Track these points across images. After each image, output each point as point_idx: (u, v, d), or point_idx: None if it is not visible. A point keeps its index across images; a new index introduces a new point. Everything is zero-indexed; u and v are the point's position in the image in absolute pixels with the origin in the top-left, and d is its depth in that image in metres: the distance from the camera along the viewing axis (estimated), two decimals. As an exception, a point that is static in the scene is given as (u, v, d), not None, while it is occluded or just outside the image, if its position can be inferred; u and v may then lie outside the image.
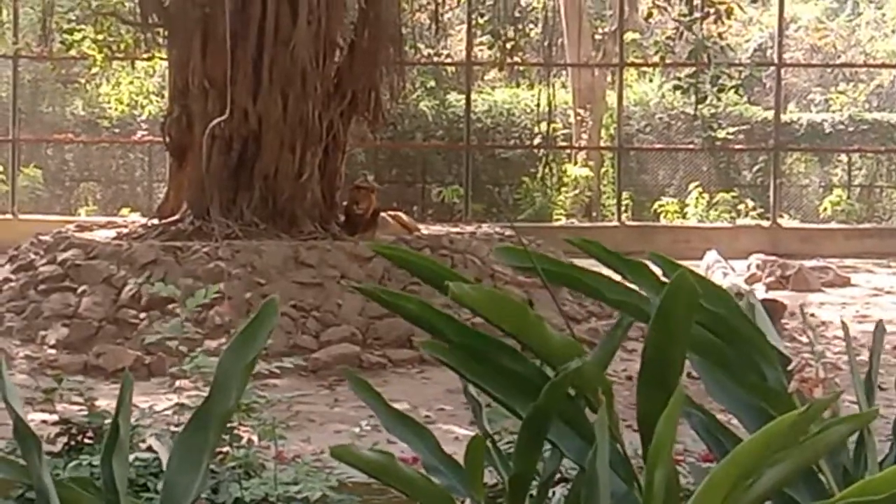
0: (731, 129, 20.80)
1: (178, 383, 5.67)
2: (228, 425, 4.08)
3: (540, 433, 2.65)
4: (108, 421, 4.68)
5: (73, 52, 16.35)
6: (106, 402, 5.28)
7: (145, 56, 16.93)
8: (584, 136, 21.09)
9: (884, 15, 26.15)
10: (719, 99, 18.42)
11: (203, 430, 2.60)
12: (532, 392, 2.64)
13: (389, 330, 9.71)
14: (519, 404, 2.72)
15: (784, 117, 20.55)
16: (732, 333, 2.84)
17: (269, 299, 2.76)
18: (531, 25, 22.03)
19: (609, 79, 21.76)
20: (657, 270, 2.90)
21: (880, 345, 3.11)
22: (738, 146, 20.99)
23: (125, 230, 12.20)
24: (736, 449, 2.41)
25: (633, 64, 20.25)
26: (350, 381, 3.03)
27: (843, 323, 3.58)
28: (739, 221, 19.03)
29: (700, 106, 18.34)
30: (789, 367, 2.84)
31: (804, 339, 9.91)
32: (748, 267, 14.46)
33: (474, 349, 2.74)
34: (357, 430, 4.78)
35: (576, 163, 20.79)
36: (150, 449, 4.44)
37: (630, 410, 2.71)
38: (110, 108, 21.30)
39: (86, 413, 4.82)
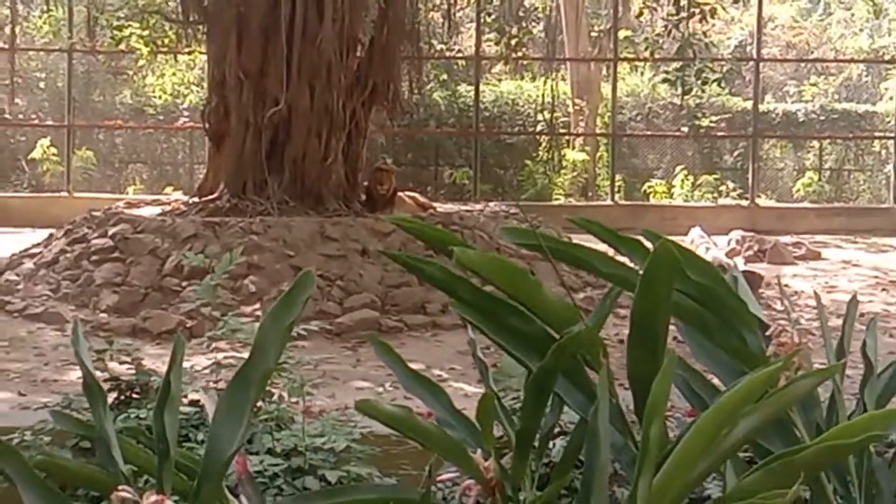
0: (714, 118, 20.72)
1: (214, 345, 5.68)
2: (261, 383, 4.07)
3: (545, 390, 2.65)
4: (153, 378, 4.69)
5: (121, 47, 16.32)
6: (151, 362, 5.30)
7: (187, 50, 16.89)
8: (582, 123, 21.04)
9: (853, 15, 26.02)
10: (703, 90, 18.35)
11: (245, 388, 2.60)
12: (538, 349, 2.64)
13: (406, 298, 9.72)
14: (528, 360, 2.72)
15: (762, 107, 20.48)
16: (716, 302, 2.83)
17: (305, 271, 2.75)
18: (534, 23, 21.97)
19: (604, 72, 21.68)
20: (650, 246, 2.90)
21: (853, 316, 3.10)
22: (720, 133, 20.93)
23: (169, 207, 12.21)
24: (721, 399, 2.42)
25: (625, 59, 20.18)
26: (374, 345, 3.03)
27: (815, 293, 3.58)
28: (721, 201, 18.97)
29: (686, 97, 18.27)
30: (767, 333, 2.84)
31: (779, 307, 9.90)
32: (728, 242, 14.43)
33: (485, 309, 2.74)
34: (380, 390, 4.78)
35: (574, 148, 20.74)
36: (191, 403, 4.45)
37: (622, 371, 2.70)
38: (155, 97, 21.31)
39: (133, 371, 4.84)
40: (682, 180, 19.53)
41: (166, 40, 15.96)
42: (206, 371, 5.07)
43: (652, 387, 2.39)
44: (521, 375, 2.84)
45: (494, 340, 2.77)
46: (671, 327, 2.71)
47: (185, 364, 5.39)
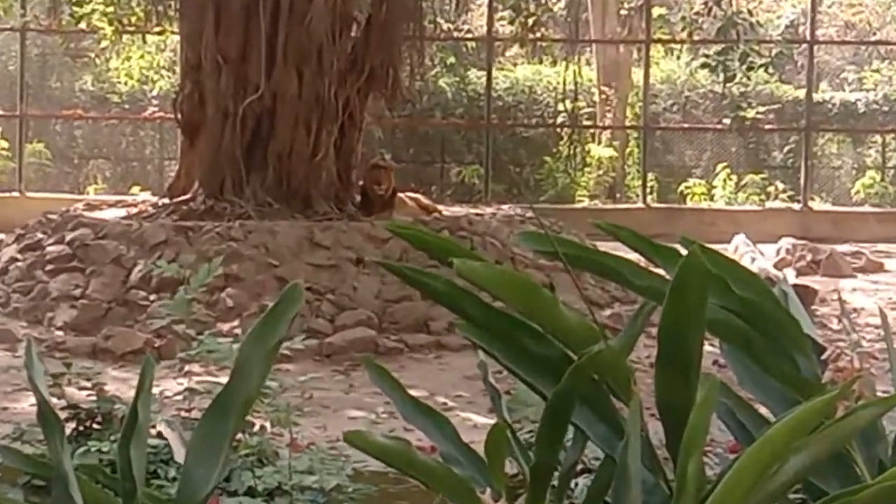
0: (761, 109, 20.71)
1: (187, 368, 5.68)
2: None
3: (562, 419, 2.64)
4: (117, 406, 4.69)
5: (82, 26, 16.34)
6: (115, 387, 5.31)
7: (156, 30, 16.90)
8: (609, 114, 21.03)
9: (921, -10, 25.99)
10: (749, 77, 18.38)
11: (223, 418, 2.60)
12: (555, 375, 2.63)
13: (406, 314, 9.72)
14: (544, 387, 2.70)
15: (816, 96, 20.45)
16: (764, 320, 2.81)
17: (292, 284, 2.74)
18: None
19: (635, 55, 21.69)
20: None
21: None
22: (767, 126, 20.91)
23: (135, 209, 12.23)
24: (767, 433, 2.40)
25: (660, 40, 20.17)
26: (369, 369, 3.02)
27: (880, 310, 3.55)
28: (769, 204, 18.96)
29: (729, 84, 18.29)
30: (823, 356, 2.82)
31: (836, 325, 9.88)
32: (777, 251, 14.41)
33: (497, 330, 2.73)
34: (373, 416, 4.78)
35: (600, 142, 20.74)
36: (160, 435, 4.45)
37: (650, 398, 2.69)
38: (120, 83, 21.31)
39: (94, 398, 4.84)
40: (724, 180, 19.51)
41: (133, 18, 15.98)
42: (178, 398, 5.07)
43: (690, 417, 2.38)
44: (539, 405, 2.83)
45: (506, 366, 2.76)
46: (713, 349, 2.70)
47: (154, 390, 5.39)
